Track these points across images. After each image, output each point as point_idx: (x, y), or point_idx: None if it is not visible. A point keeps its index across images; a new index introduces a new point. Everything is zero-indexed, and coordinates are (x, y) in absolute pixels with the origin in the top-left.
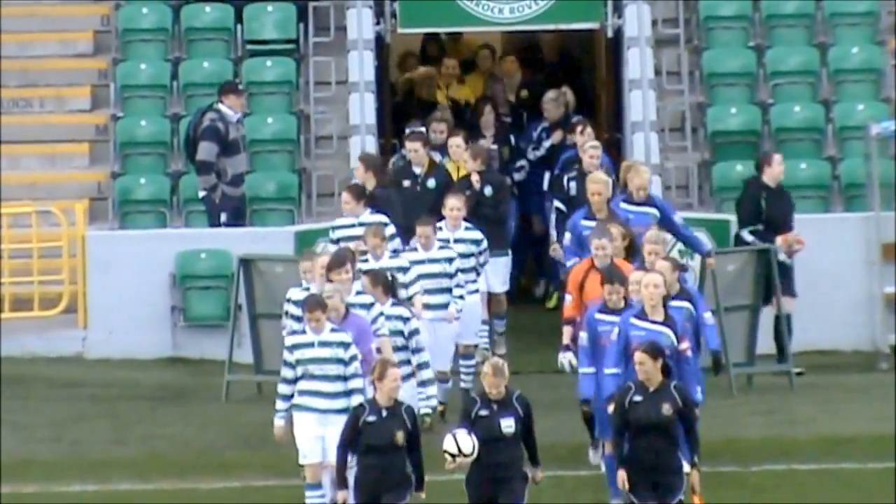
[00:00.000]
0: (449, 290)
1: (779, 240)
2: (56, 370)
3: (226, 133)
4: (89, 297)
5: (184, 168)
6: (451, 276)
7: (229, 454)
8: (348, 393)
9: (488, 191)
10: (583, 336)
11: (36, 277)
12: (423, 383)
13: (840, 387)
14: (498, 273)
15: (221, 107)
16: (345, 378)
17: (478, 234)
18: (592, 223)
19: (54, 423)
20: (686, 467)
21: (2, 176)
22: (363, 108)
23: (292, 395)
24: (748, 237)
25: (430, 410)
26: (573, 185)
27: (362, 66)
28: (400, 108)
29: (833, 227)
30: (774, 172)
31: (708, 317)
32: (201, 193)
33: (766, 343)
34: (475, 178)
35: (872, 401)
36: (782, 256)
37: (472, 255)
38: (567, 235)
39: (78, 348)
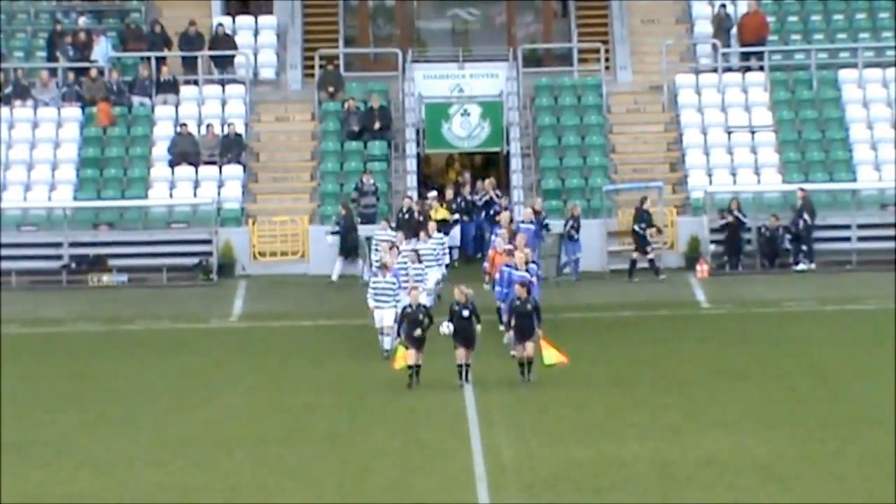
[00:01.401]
0: (434, 259)
1: (651, 231)
2: (296, 279)
3: (363, 187)
4: (310, 252)
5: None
6: (436, 253)
7: (358, 308)
8: (395, 302)
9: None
10: (497, 275)
11: (290, 244)
12: (429, 293)
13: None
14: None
15: (364, 178)
16: (393, 296)
17: (441, 235)
18: (501, 231)
19: (294, 296)
20: (537, 327)
21: (283, 207)
22: (412, 182)
23: (373, 297)
24: (637, 229)
25: (430, 303)
26: (496, 217)
27: (413, 165)
28: (427, 184)
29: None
30: (650, 204)
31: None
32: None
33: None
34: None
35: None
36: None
37: (438, 244)
38: (496, 238)
39: (306, 271)
